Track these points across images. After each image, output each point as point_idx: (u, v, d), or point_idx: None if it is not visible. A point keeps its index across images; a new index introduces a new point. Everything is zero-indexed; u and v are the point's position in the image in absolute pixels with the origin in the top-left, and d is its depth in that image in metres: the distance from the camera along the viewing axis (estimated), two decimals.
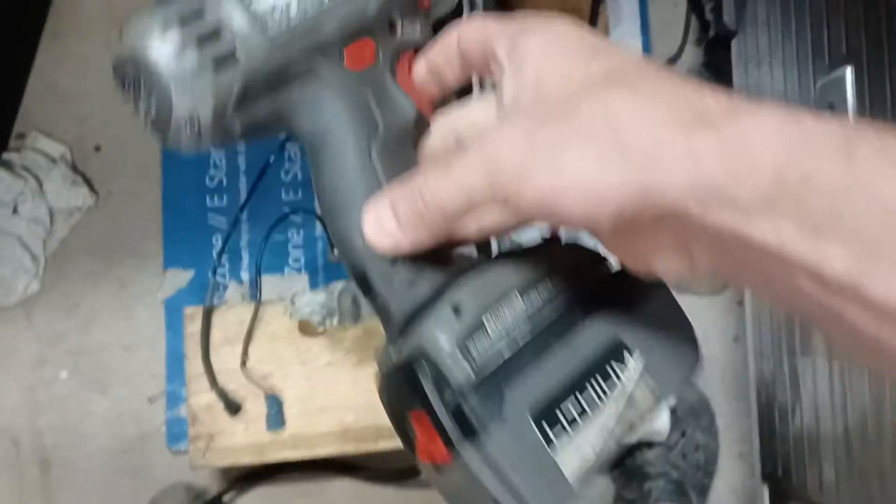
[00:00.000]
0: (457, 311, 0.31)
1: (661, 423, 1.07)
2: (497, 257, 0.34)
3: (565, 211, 0.27)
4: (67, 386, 1.13)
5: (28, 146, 1.14)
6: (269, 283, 1.13)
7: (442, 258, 0.33)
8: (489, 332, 0.31)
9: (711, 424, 1.16)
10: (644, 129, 0.25)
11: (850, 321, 0.24)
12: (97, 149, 1.17)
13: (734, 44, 1.09)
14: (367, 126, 0.33)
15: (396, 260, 0.32)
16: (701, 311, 1.22)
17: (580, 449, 0.31)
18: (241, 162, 1.16)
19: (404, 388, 0.31)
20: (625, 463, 1.13)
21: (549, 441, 0.30)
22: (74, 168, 1.15)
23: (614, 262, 0.35)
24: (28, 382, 1.12)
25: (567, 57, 0.29)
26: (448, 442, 0.30)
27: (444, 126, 0.35)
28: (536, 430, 0.30)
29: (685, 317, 0.37)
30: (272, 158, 1.11)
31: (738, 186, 0.24)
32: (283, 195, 1.16)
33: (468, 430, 0.29)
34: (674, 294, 0.37)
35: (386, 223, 0.31)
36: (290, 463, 1.05)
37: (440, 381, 0.30)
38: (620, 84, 0.27)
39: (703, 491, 1.16)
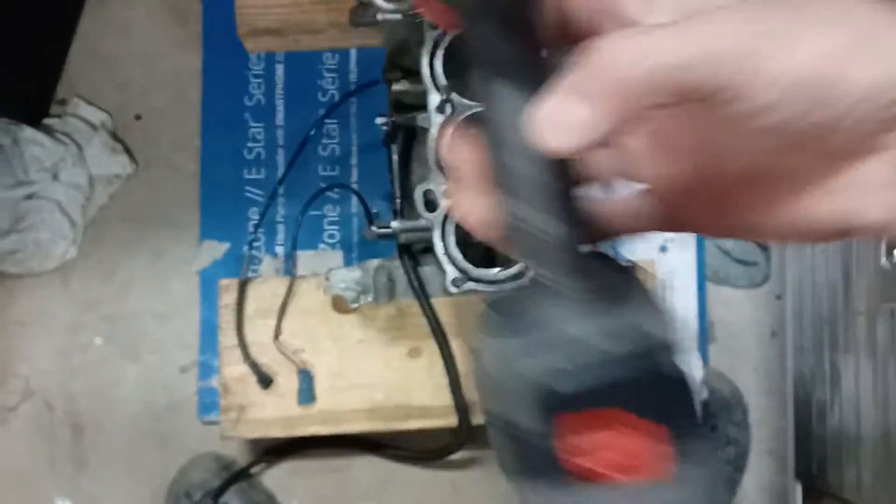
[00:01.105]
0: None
1: None
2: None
3: (810, 92, 0.22)
4: (101, 352, 1.14)
5: (69, 112, 1.15)
6: (302, 258, 1.13)
7: None
8: None
9: (744, 419, 1.14)
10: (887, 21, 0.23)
11: None
12: (138, 118, 1.17)
13: None
14: None
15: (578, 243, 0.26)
16: (738, 304, 1.20)
17: None
18: (280, 136, 1.15)
19: (635, 376, 0.25)
20: None
21: None
22: (115, 136, 1.15)
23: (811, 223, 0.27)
24: (63, 347, 1.14)
25: None
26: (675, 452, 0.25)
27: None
28: None
29: None
30: (312, 132, 1.10)
31: None
32: (321, 170, 1.16)
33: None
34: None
35: (567, 109, 0.24)
36: (318, 438, 1.05)
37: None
38: None
39: (732, 486, 1.14)
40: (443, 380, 1.04)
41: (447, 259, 0.84)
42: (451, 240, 0.84)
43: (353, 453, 1.13)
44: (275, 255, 1.15)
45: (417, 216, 0.88)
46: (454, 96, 0.83)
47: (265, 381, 1.03)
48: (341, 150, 1.16)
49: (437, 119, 0.85)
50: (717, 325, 1.19)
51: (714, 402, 1.09)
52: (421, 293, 0.91)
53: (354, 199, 1.16)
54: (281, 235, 1.15)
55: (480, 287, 0.83)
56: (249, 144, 1.15)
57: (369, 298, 0.93)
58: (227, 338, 1.04)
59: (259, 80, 1.16)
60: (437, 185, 0.84)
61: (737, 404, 1.13)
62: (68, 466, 1.12)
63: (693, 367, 1.03)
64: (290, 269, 1.14)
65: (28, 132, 1.11)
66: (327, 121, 1.16)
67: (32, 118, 1.13)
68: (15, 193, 1.11)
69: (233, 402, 1.04)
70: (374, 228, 0.91)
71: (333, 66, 1.17)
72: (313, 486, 1.14)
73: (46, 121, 1.14)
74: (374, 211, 1.14)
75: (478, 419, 1.04)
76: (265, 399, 1.04)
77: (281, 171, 1.15)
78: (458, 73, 1.02)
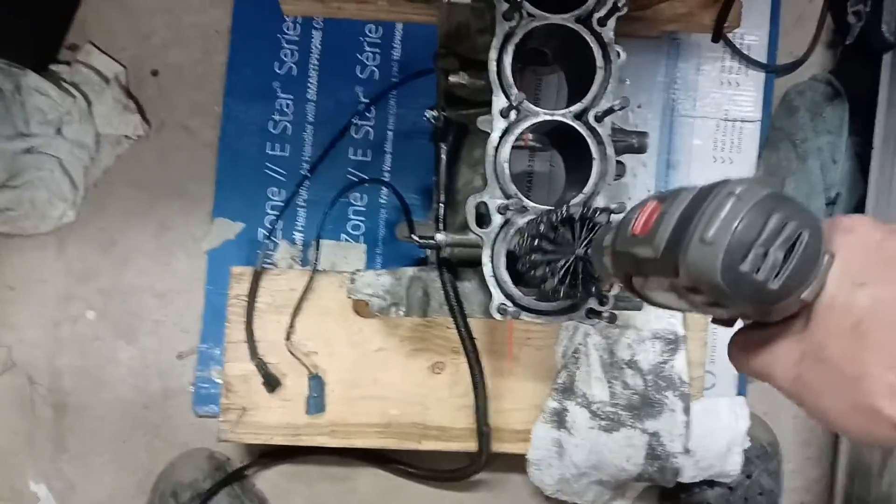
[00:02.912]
0: None
1: (733, 465, 0.97)
2: None
3: None
4: (93, 327, 1.04)
5: (80, 60, 1.03)
6: (322, 248, 1.03)
7: None
8: None
9: (778, 469, 1.06)
10: None
11: None
12: (155, 73, 1.05)
13: (888, 58, 0.95)
14: None
15: None
16: None
17: None
18: (310, 111, 1.05)
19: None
20: (680, 498, 1.04)
21: None
22: (128, 92, 1.04)
23: None
24: (52, 317, 1.04)
25: None
26: None
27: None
28: None
29: None
30: (354, 120, 0.99)
31: None
32: (351, 154, 1.05)
33: None
34: None
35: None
36: None
37: None
38: None
39: None
40: (463, 400, 0.96)
41: (495, 282, 0.74)
42: (502, 261, 0.74)
43: (357, 463, 1.05)
44: (293, 241, 1.05)
45: (462, 226, 0.79)
46: (524, 103, 0.73)
47: (272, 383, 0.94)
48: (375, 135, 1.05)
49: (499, 124, 0.75)
50: None
51: (751, 449, 1.01)
52: (460, 315, 0.81)
53: (384, 189, 1.06)
54: (301, 221, 1.05)
55: (527, 316, 0.74)
56: (276, 117, 1.04)
57: (401, 312, 0.83)
58: (235, 332, 0.95)
59: (293, 47, 1.05)
60: (492, 198, 0.74)
61: (773, 454, 1.05)
62: (48, 447, 1.04)
63: (739, 416, 0.95)
64: (307, 259, 1.04)
65: (32, 79, 1.00)
66: (363, 99, 1.05)
67: (38, 63, 1.01)
68: (12, 146, 1.00)
69: (235, 401, 0.95)
70: (415, 237, 0.81)
71: (376, 40, 1.05)
72: (311, 495, 1.06)
73: (54, 67, 1.03)
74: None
75: (497, 447, 0.96)
76: (270, 402, 0.95)
77: (308, 149, 1.04)
78: (531, 64, 0.92)
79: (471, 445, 0.96)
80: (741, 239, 0.34)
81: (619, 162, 0.84)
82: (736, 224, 0.34)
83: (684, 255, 0.36)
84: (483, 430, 0.93)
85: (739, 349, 0.41)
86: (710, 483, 1.01)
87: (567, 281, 0.58)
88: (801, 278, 0.35)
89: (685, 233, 0.36)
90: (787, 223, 0.34)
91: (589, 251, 0.57)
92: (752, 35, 1.11)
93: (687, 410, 0.96)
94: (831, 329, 0.35)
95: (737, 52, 1.10)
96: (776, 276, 0.34)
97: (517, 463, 0.99)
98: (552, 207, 0.72)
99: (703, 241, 0.35)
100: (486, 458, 0.95)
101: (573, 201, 0.74)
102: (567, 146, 0.84)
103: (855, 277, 0.35)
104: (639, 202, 0.44)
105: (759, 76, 1.11)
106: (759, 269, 0.34)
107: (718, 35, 1.02)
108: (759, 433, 1.04)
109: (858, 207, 1.06)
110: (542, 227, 0.59)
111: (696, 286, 0.36)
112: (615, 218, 0.70)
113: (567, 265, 0.58)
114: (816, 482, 1.12)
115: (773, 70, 1.11)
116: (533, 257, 0.59)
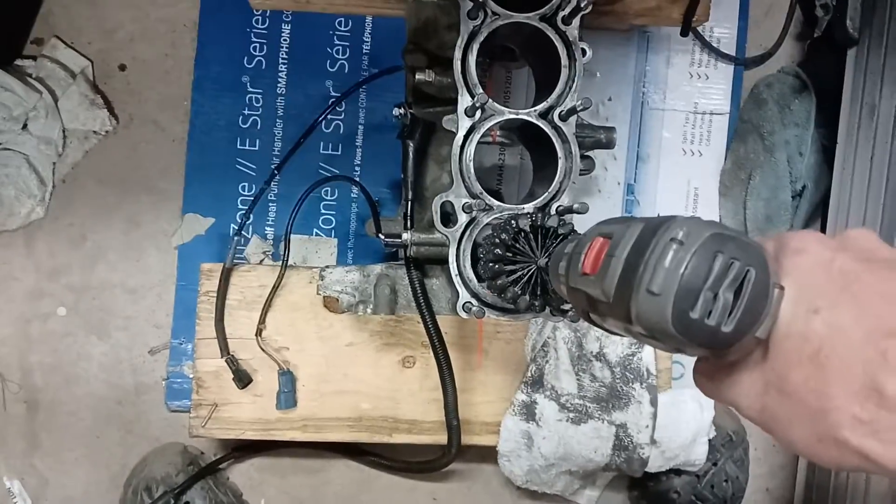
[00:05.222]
0: None
1: (698, 454, 0.99)
2: None
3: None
4: (64, 323, 1.04)
5: (46, 54, 1.02)
6: (294, 242, 1.03)
7: None
8: None
9: (744, 457, 1.08)
10: None
11: None
12: (122, 68, 1.04)
13: (852, 54, 0.96)
14: None
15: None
16: None
17: None
18: (280, 105, 1.04)
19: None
20: (648, 486, 1.06)
21: None
22: (95, 87, 1.03)
23: None
24: (22, 314, 1.03)
25: None
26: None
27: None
28: None
29: None
30: (321, 118, 0.99)
31: None
32: (322, 148, 1.05)
33: None
34: None
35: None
36: None
37: None
38: None
39: None
40: (434, 394, 0.96)
41: (460, 281, 0.75)
42: (467, 260, 0.75)
43: (330, 455, 1.06)
44: (264, 236, 1.05)
45: (431, 223, 0.79)
46: (489, 102, 0.73)
47: (243, 379, 0.95)
48: (346, 128, 1.05)
49: (464, 123, 0.75)
50: None
51: (717, 437, 1.03)
52: (428, 314, 0.82)
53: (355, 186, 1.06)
54: (272, 215, 1.05)
55: (492, 313, 0.75)
56: (245, 111, 1.04)
57: (368, 310, 0.84)
58: (205, 328, 0.95)
59: (262, 41, 1.04)
60: (457, 197, 0.75)
61: (739, 442, 1.07)
62: (20, 444, 1.04)
63: (704, 407, 0.96)
64: (279, 253, 1.04)
65: None
66: (333, 93, 1.05)
67: (2, 58, 1.00)
68: None
69: (206, 397, 0.95)
70: (382, 237, 0.81)
71: (346, 34, 1.05)
72: (285, 487, 1.07)
73: (18, 62, 1.01)
74: (376, 199, 1.04)
75: (468, 439, 0.97)
76: (241, 398, 0.96)
77: (278, 144, 1.04)
78: (500, 60, 0.92)
79: (442, 438, 0.97)
80: (688, 286, 0.34)
81: (587, 157, 0.85)
82: (681, 272, 0.34)
83: (634, 305, 0.35)
84: (452, 426, 0.94)
85: (704, 378, 0.41)
86: (676, 471, 1.03)
87: (529, 290, 0.59)
88: (754, 317, 0.34)
89: (633, 281, 0.36)
90: (733, 263, 0.34)
91: (549, 262, 0.57)
92: (721, 28, 1.12)
93: (654, 402, 0.97)
94: (791, 359, 0.35)
95: (706, 45, 1.10)
96: (729, 317, 0.34)
97: (489, 453, 1.01)
98: (512, 213, 0.73)
99: (651, 293, 0.34)
100: (455, 452, 0.96)
101: (524, 209, 0.74)
102: (534, 143, 0.85)
103: (809, 303, 0.34)
104: (587, 231, 0.43)
105: (729, 69, 1.12)
106: (710, 314, 0.34)
107: (687, 29, 1.03)
108: (724, 422, 1.06)
109: (824, 200, 1.07)
110: (497, 241, 0.59)
111: (651, 334, 0.36)
112: (571, 218, 0.70)
113: (529, 275, 0.58)
114: (781, 468, 1.14)
115: (742, 63, 1.12)
116: (494, 267, 0.59)
